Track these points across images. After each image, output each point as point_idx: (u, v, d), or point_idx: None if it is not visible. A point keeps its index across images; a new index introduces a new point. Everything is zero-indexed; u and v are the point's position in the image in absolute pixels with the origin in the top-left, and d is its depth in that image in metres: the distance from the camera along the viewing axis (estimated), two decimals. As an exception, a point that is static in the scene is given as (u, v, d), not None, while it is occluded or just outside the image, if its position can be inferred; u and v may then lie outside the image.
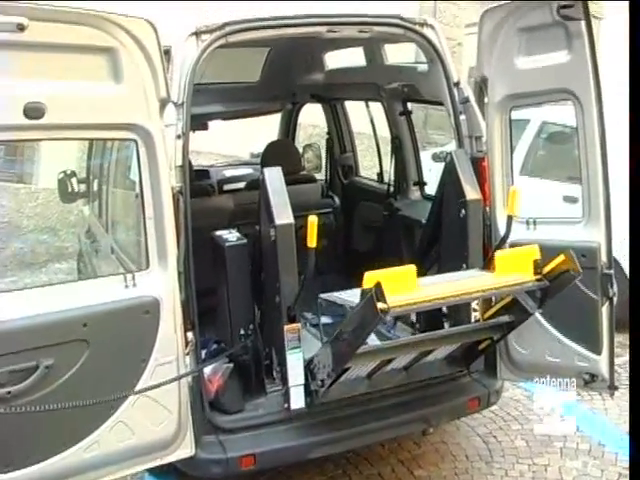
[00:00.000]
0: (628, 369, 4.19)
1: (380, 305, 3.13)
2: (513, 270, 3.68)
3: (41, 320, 3.18)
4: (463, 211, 4.18)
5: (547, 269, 3.61)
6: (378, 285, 3.14)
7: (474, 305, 4.15)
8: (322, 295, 3.97)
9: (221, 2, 6.02)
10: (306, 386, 3.88)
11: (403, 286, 3.36)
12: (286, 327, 3.84)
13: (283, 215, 3.77)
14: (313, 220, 3.56)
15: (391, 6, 4.68)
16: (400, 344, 3.95)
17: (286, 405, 3.92)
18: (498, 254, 3.80)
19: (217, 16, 3.88)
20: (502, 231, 4.18)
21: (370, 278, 3.24)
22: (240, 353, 4.08)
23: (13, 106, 3.04)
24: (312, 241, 3.60)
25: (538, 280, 3.66)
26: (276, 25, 4.05)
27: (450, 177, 4.32)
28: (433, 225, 4.61)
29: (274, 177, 3.88)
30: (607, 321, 4.03)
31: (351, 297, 3.62)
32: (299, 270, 3.81)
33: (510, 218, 4.05)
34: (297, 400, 3.88)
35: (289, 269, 3.81)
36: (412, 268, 3.44)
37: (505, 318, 3.92)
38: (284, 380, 3.91)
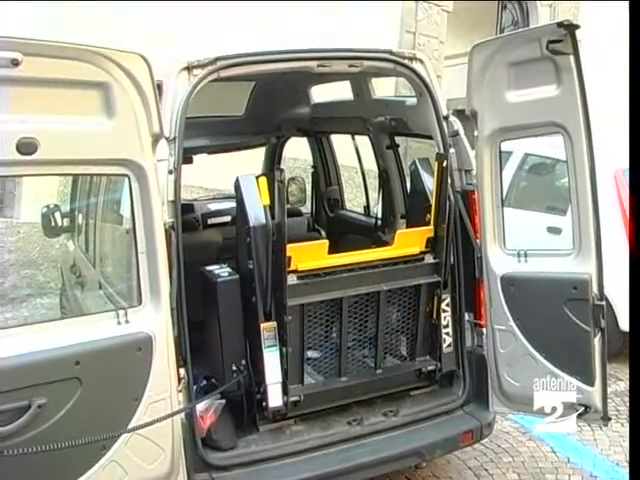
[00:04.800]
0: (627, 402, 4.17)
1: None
2: (409, 245, 4.29)
3: (33, 358, 3.12)
4: (428, 215, 4.32)
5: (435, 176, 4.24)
6: None
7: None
8: None
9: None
10: (284, 384, 3.97)
11: (313, 257, 4.03)
12: (262, 325, 3.95)
13: (257, 217, 3.94)
14: (263, 180, 3.95)
15: (370, 40, 4.70)
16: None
17: (264, 404, 3.98)
18: (398, 232, 4.41)
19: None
20: (493, 264, 4.22)
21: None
22: (232, 389, 4.04)
23: (6, 142, 3.01)
24: (265, 199, 3.92)
25: (423, 252, 4.29)
26: (268, 60, 4.07)
27: (414, 184, 4.54)
28: None
29: (248, 184, 4.05)
30: (599, 352, 4.02)
31: None
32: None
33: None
34: (275, 398, 3.97)
35: (263, 268, 3.92)
36: (324, 242, 4.12)
37: (430, 259, 4.33)
38: (262, 379, 3.97)
